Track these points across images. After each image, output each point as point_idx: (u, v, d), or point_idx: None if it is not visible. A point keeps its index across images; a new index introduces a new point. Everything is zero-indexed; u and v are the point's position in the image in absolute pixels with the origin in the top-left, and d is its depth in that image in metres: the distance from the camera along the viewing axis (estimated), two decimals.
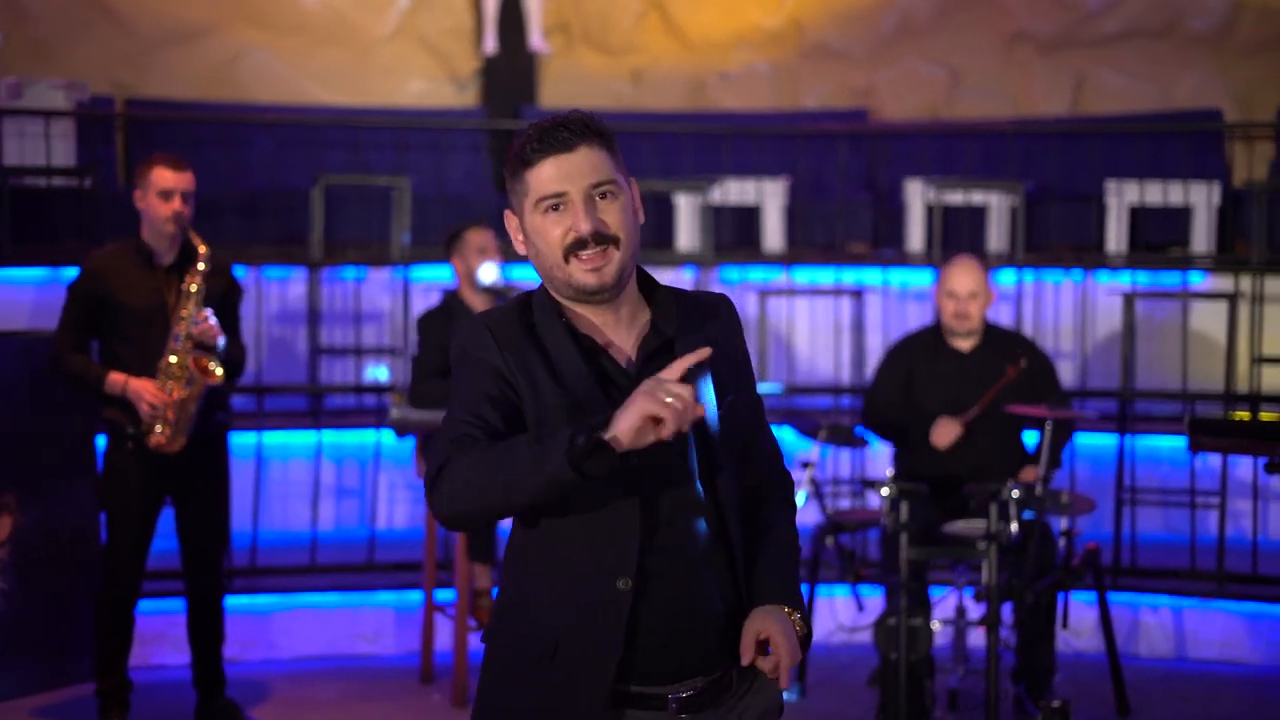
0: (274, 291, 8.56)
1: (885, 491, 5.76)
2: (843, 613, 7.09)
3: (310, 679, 6.84)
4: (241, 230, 9.05)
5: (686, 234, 9.21)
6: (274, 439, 7.78)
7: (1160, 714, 6.43)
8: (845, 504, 7.86)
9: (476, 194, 9.61)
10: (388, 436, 7.61)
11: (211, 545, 5.93)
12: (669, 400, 2.48)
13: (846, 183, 9.66)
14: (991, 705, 5.55)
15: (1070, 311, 8.62)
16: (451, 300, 6.82)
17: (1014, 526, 5.57)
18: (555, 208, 2.74)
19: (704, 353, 2.57)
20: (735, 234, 9.50)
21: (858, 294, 8.73)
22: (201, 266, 5.64)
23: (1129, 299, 8.07)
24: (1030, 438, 6.33)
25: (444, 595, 6.87)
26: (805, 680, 6.57)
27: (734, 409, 2.84)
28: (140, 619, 6.00)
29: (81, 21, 10.76)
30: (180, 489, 5.81)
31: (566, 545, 2.74)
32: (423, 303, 8.15)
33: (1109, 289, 8.56)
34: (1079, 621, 6.78)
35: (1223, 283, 8.43)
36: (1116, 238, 9.03)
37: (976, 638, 6.67)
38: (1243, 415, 7.15)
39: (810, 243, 9.61)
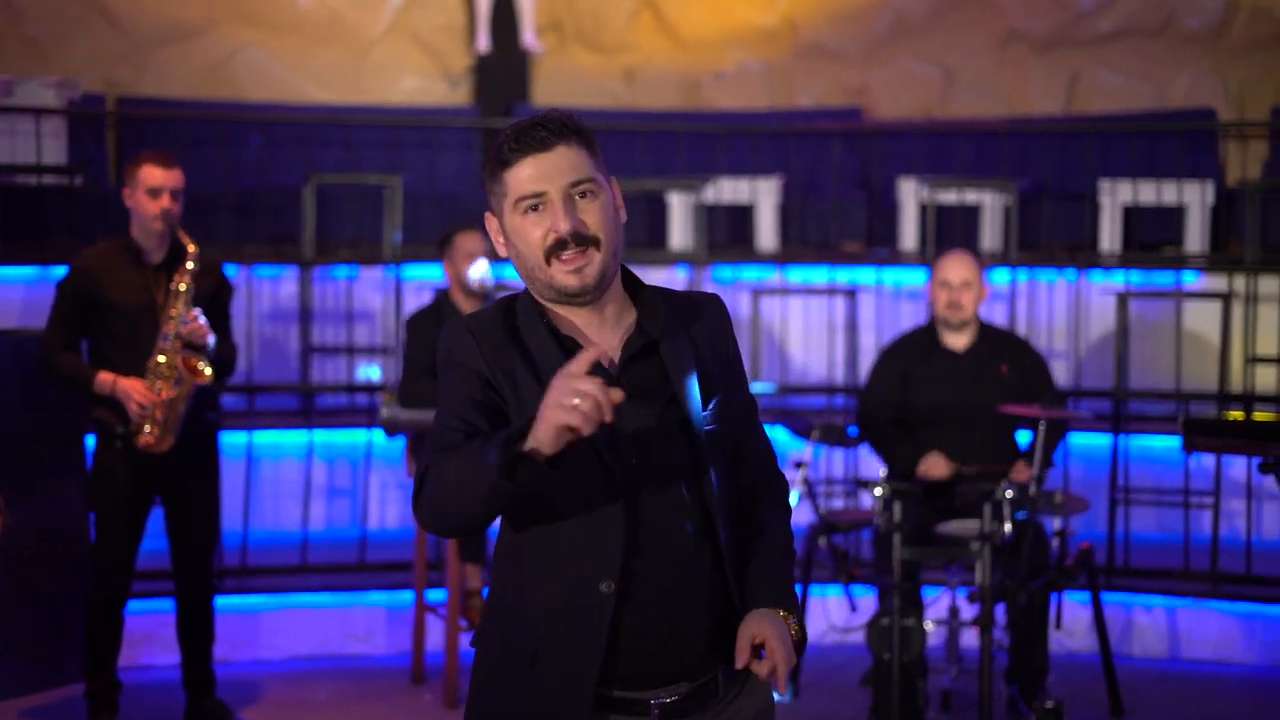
0: (265, 290, 8.54)
1: (878, 491, 5.75)
2: (835, 613, 7.07)
3: (301, 679, 6.81)
4: (233, 229, 9.02)
5: (680, 233, 9.19)
6: (265, 438, 7.75)
7: (1154, 714, 6.41)
8: (838, 504, 7.85)
9: (469, 193, 9.59)
10: (379, 436, 7.58)
11: (201, 545, 5.91)
12: (575, 403, 2.40)
13: (840, 182, 9.64)
14: (985, 706, 5.53)
15: (1064, 311, 8.61)
16: (442, 301, 6.81)
17: (1007, 527, 5.56)
18: (534, 208, 2.71)
19: (599, 350, 2.49)
20: (728, 233, 9.48)
21: (851, 293, 8.70)
22: (190, 265, 5.62)
23: (1123, 298, 8.06)
24: (1022, 436, 6.31)
25: (435, 595, 6.85)
26: (798, 681, 6.55)
27: (724, 410, 2.82)
28: (129, 619, 5.97)
29: (75, 20, 10.74)
30: (169, 489, 5.79)
31: (550, 547, 2.72)
32: (415, 302, 8.14)
33: (1103, 288, 8.54)
34: (1073, 622, 6.77)
35: (1217, 282, 8.42)
36: (1110, 237, 9.02)
37: (970, 638, 6.66)
38: (1237, 415, 7.13)
39: (804, 242, 9.59)
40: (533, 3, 11.28)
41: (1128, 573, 7.37)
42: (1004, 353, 6.41)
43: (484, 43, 11.26)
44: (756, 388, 7.25)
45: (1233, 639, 7.13)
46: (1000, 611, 6.09)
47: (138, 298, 5.65)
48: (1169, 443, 7.62)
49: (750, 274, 8.97)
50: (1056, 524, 6.00)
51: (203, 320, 5.59)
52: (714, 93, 11.61)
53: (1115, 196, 9.01)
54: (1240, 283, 8.13)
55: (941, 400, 6.30)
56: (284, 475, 7.83)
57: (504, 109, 10.83)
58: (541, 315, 2.77)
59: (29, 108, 8.37)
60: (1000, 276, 8.51)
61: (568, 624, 2.70)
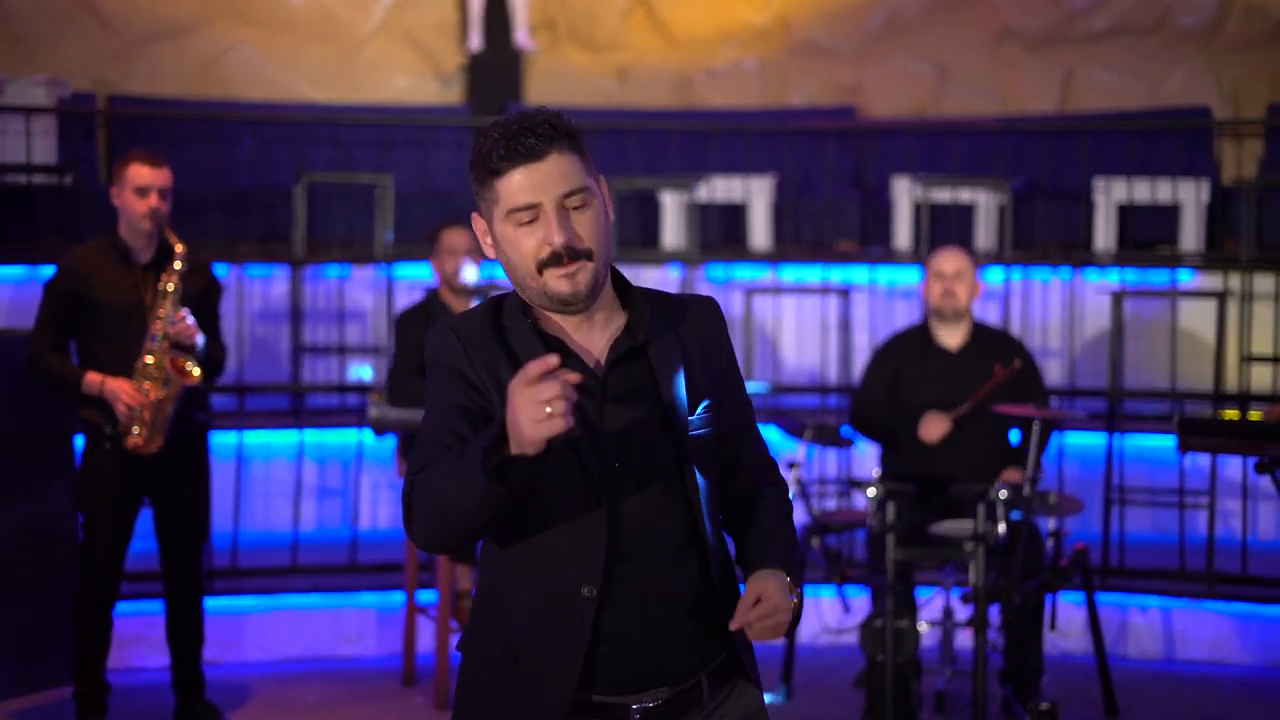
0: (256, 289, 8.51)
1: (871, 492, 5.73)
2: (829, 614, 7.04)
3: (291, 681, 6.78)
4: (224, 228, 9.00)
5: (672, 232, 9.17)
6: (255, 438, 7.72)
7: (1149, 715, 6.39)
8: (831, 504, 7.82)
9: (461, 191, 9.55)
10: (370, 436, 7.54)
11: (190, 546, 5.87)
12: (549, 411, 2.37)
13: (834, 180, 9.61)
14: (979, 707, 5.52)
15: (1058, 310, 8.58)
16: (431, 299, 6.80)
17: (1001, 527, 5.54)
18: (527, 220, 2.67)
19: (551, 360, 2.42)
20: (721, 232, 9.46)
21: (845, 292, 8.68)
22: (178, 265, 5.59)
23: (1117, 297, 8.03)
24: (1014, 436, 6.29)
25: (426, 596, 6.81)
26: (791, 682, 6.52)
27: (714, 414, 2.78)
28: (118, 621, 5.94)
29: (65, 18, 10.70)
30: (158, 490, 5.76)
31: (533, 550, 2.69)
32: (406, 301, 8.10)
33: (1097, 287, 8.52)
34: (1067, 622, 6.75)
35: (1211, 281, 8.40)
36: (1105, 235, 9.00)
37: (964, 639, 6.64)
38: (1232, 414, 7.10)
39: (797, 241, 9.57)
40: (525, 1, 11.25)
41: (1123, 573, 7.34)
42: (998, 352, 6.39)
43: (476, 41, 11.23)
44: (749, 387, 7.22)
45: (1228, 639, 7.10)
46: (994, 612, 6.07)
47: (125, 298, 5.61)
48: (1164, 442, 7.59)
49: (743, 273, 8.95)
50: (1051, 524, 5.98)
51: (191, 321, 5.56)
52: (707, 91, 11.59)
53: (1110, 195, 8.99)
54: (1235, 281, 8.10)
55: (935, 399, 6.28)
56: (274, 476, 7.80)
57: (497, 108, 10.78)
58: (528, 316, 2.74)
59: (18, 106, 8.35)
60: (994, 275, 8.48)
61: (549, 627, 2.67)
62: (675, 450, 2.71)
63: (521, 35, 11.25)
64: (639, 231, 9.40)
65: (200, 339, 5.59)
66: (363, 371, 8.36)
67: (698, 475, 2.72)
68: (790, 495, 2.99)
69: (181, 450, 5.72)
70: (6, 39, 10.44)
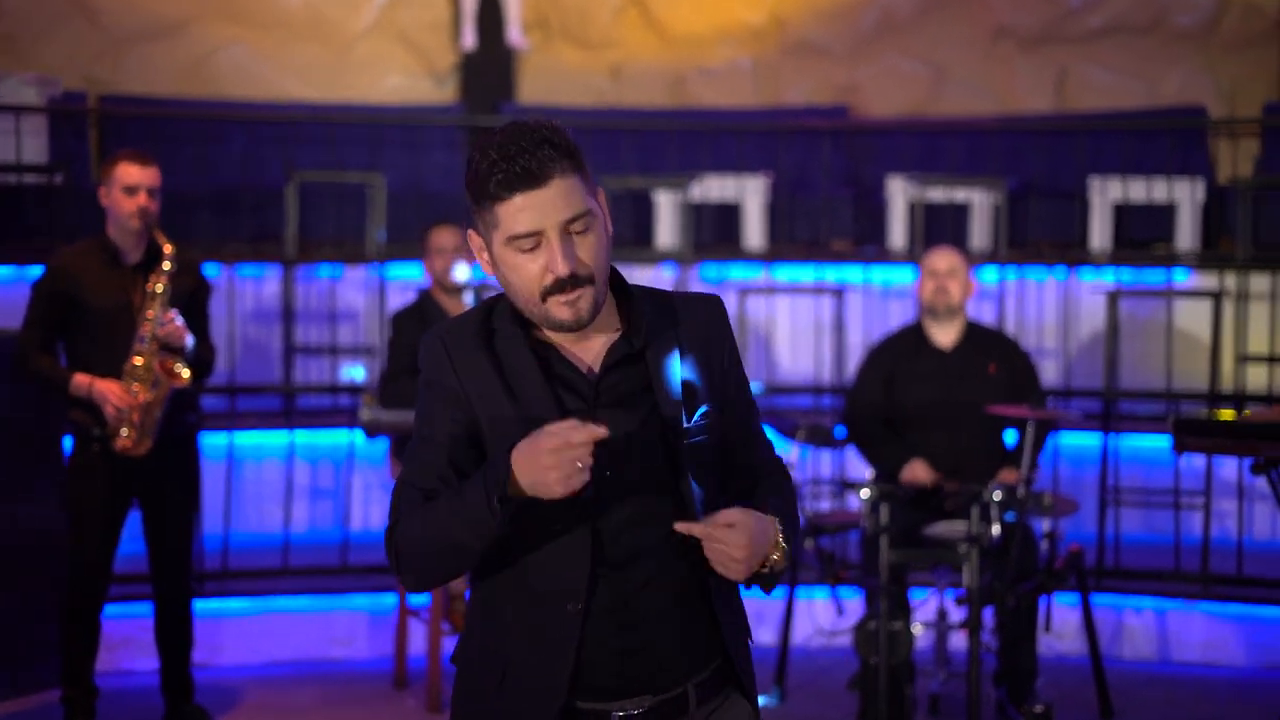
0: (247, 290, 8.47)
1: (865, 493, 5.71)
2: (822, 616, 7.02)
3: (282, 684, 6.74)
4: (215, 227, 8.96)
5: (666, 231, 9.13)
6: (246, 439, 7.69)
7: (1144, 717, 6.37)
8: (825, 506, 7.79)
9: (453, 191, 9.51)
10: (362, 437, 7.52)
11: (179, 549, 5.83)
12: (579, 467, 2.44)
13: (828, 180, 9.58)
14: (973, 709, 5.50)
15: (1053, 309, 8.56)
16: (425, 300, 6.77)
17: (995, 529, 5.53)
18: (529, 247, 2.61)
19: (600, 432, 2.47)
20: (715, 231, 9.42)
21: (839, 292, 8.65)
22: (167, 266, 5.56)
23: (1113, 297, 8.00)
24: (1009, 436, 6.27)
25: (418, 599, 6.78)
26: (784, 684, 6.49)
27: (714, 419, 2.72)
28: (107, 624, 5.92)
29: (56, 16, 10.66)
30: (147, 492, 5.72)
31: (520, 563, 2.66)
32: (399, 301, 8.06)
33: (1093, 287, 8.49)
34: (1062, 624, 6.73)
35: (1207, 280, 8.38)
36: (1100, 235, 8.97)
37: (958, 641, 6.62)
38: (1228, 415, 7.07)
39: (791, 240, 9.54)
40: None
41: (1117, 574, 7.31)
42: (992, 352, 6.38)
43: (469, 39, 11.20)
44: None
45: (1223, 641, 7.08)
46: (989, 614, 6.04)
47: (114, 298, 5.58)
48: (1159, 443, 7.56)
49: (737, 273, 8.92)
50: (1045, 525, 5.96)
51: (180, 322, 5.52)
52: (701, 90, 11.55)
53: (1105, 194, 8.97)
54: (1231, 281, 8.08)
55: (928, 399, 6.27)
56: (265, 477, 7.77)
57: (490, 106, 10.76)
58: (521, 324, 2.69)
59: (8, 105, 8.31)
60: (989, 275, 8.46)
61: (536, 640, 2.64)
62: (670, 458, 2.66)
63: (514, 33, 11.22)
64: (633, 231, 9.36)
65: (190, 341, 5.56)
66: (354, 372, 8.32)
67: (693, 484, 2.67)
68: (798, 493, 2.95)
69: (170, 452, 5.68)
70: None
